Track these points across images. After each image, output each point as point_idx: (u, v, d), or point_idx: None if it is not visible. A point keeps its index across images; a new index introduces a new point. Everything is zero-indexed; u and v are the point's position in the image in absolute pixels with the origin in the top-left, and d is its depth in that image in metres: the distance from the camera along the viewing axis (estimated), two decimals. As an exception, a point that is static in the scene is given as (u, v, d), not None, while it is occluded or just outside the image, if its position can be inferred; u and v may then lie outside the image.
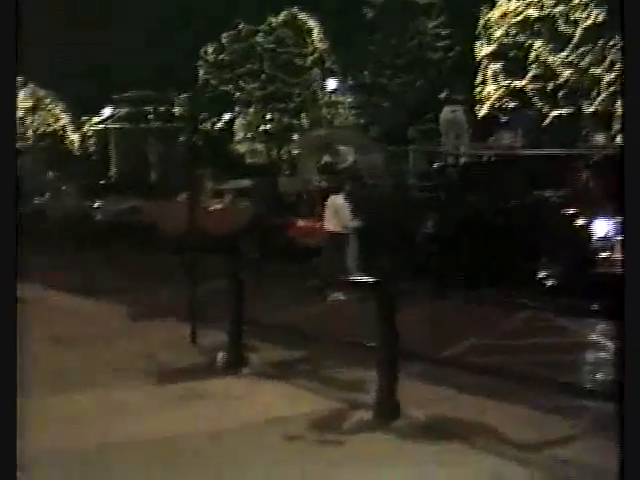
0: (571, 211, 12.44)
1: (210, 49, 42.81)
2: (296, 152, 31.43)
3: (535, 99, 31.77)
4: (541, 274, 12.46)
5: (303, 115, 41.45)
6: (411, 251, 11.86)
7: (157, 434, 5.70)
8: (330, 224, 12.46)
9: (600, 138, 23.14)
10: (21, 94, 52.96)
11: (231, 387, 6.98)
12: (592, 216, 12.08)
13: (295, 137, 39.87)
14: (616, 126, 29.82)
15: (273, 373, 7.37)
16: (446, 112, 18.35)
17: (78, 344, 8.89)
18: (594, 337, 9.18)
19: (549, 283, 12.30)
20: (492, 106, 32.05)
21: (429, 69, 36.61)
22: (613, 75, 31.02)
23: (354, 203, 12.39)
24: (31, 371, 7.55)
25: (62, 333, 9.45)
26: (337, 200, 12.55)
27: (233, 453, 5.35)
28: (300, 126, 40.85)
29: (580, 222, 12.27)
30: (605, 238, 11.78)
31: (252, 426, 5.90)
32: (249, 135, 43.56)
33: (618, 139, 25.24)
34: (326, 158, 14.00)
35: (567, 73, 31.43)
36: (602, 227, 11.92)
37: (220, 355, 7.68)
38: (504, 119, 30.17)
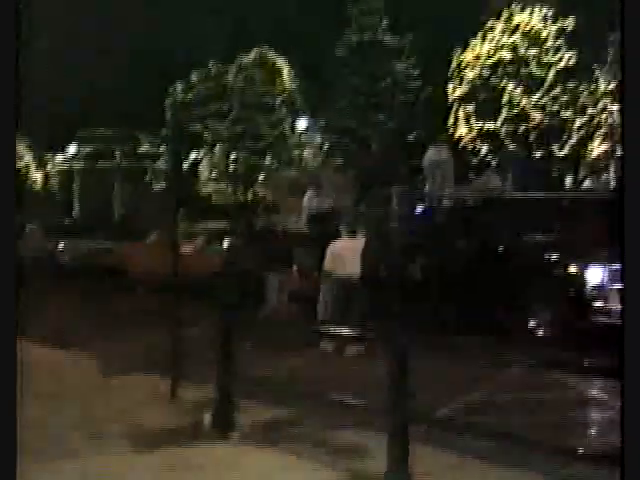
0: (560, 257, 12.03)
1: (179, 87, 42.23)
2: (269, 193, 30.83)
3: (507, 142, 31.63)
4: (531, 323, 12.01)
5: (270, 155, 40.86)
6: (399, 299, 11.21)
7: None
8: (333, 270, 11.83)
9: (590, 182, 22.89)
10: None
11: (221, 455, 6.33)
12: (585, 263, 11.64)
13: (261, 178, 39.37)
14: (582, 172, 29.85)
15: (265, 438, 6.71)
16: (432, 152, 17.66)
17: (46, 402, 8.15)
18: (593, 393, 8.70)
19: (539, 333, 11.86)
20: (464, 148, 31.84)
21: (399, 111, 36.15)
22: (584, 119, 31.05)
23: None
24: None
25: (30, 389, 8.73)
26: (338, 245, 12.00)
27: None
28: (267, 166, 40.31)
29: (572, 269, 11.84)
30: (599, 286, 11.33)
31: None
32: (214, 175, 42.92)
33: (611, 184, 25.15)
34: (310, 201, 13.39)
35: (539, 116, 31.35)
36: (596, 275, 11.48)
37: (206, 417, 7.01)
38: (492, 161, 30.06)
